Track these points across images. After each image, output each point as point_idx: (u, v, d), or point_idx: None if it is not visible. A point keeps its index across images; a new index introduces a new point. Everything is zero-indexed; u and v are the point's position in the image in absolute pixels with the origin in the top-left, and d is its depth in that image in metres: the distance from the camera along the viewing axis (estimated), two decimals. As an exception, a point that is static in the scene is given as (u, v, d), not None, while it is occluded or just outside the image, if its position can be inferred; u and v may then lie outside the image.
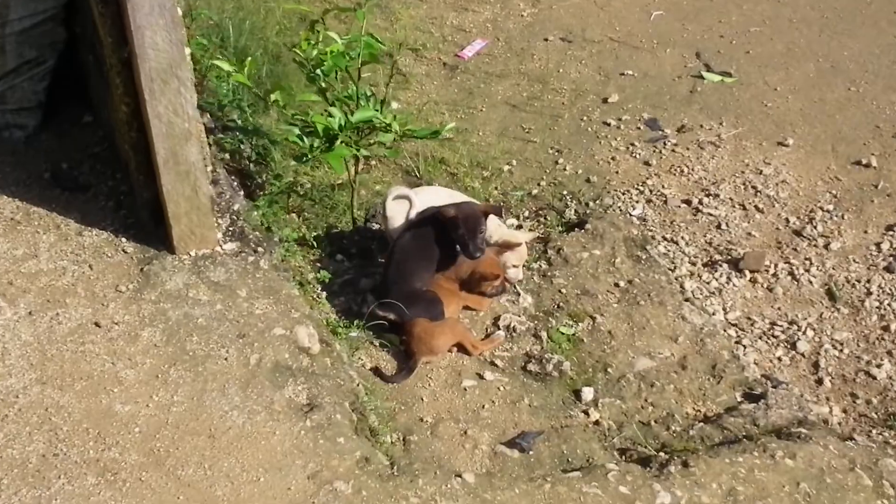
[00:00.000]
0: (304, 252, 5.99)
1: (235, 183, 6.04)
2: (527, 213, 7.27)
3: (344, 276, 5.98)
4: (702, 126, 8.09)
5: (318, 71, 5.99)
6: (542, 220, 7.19)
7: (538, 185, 7.52)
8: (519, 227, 7.08)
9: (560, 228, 7.00)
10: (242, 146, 6.64)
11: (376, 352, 5.55)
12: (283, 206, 6.46)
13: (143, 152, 4.98)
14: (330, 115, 5.78)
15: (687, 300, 6.24)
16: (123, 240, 5.29)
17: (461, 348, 5.54)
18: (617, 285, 6.29)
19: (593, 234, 6.69)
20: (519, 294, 5.98)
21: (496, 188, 7.51)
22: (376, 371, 5.31)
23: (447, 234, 5.45)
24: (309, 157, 5.87)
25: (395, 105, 8.24)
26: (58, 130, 6.15)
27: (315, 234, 6.37)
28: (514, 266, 5.95)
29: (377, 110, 6.10)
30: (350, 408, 4.65)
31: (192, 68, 4.91)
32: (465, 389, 5.33)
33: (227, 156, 6.42)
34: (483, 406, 5.24)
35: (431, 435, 5.05)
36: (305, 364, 4.77)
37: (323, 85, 6.12)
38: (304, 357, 4.80)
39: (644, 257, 6.52)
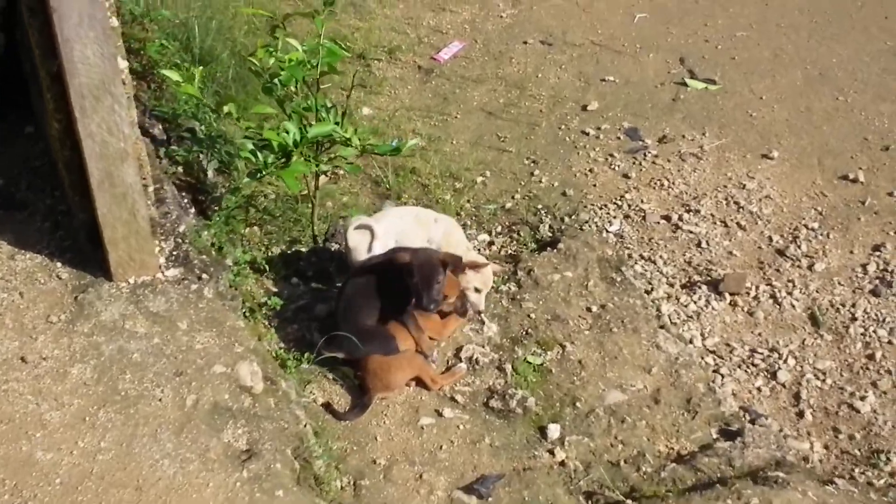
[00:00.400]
0: (257, 275, 5.56)
1: (186, 200, 5.68)
2: (499, 229, 6.91)
3: (299, 301, 5.61)
4: (684, 136, 7.74)
5: (275, 81, 5.56)
6: (514, 236, 6.84)
7: (512, 197, 7.17)
8: (490, 244, 6.68)
9: (532, 246, 6.60)
10: (202, 157, 6.20)
11: (330, 385, 5.21)
12: (241, 221, 6.08)
13: (77, 171, 4.62)
14: (285, 130, 5.33)
15: (662, 327, 5.89)
16: (59, 264, 4.91)
17: (420, 382, 5.18)
18: (589, 310, 5.92)
19: (566, 254, 6.33)
20: (483, 322, 5.60)
21: (468, 201, 7.16)
22: (328, 407, 4.96)
23: (401, 279, 5.05)
24: (263, 173, 5.45)
25: (366, 111, 7.88)
26: (-2, 146, 5.71)
27: (271, 254, 5.96)
28: (478, 290, 5.53)
29: (337, 123, 5.68)
30: (293, 454, 4.29)
31: (130, 81, 4.51)
32: (423, 428, 4.98)
33: (179, 169, 5.99)
34: (441, 446, 4.89)
35: (384, 479, 4.72)
36: (247, 405, 4.41)
37: (280, 96, 5.67)
38: (246, 397, 4.43)
39: (619, 279, 6.15)
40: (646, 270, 6.57)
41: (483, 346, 5.48)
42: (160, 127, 6.04)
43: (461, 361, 5.42)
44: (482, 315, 5.70)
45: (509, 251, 6.67)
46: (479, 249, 6.73)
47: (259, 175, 5.51)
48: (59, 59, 4.25)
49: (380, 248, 5.49)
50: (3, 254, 5.02)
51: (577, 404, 5.38)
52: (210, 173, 6.16)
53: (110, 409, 4.33)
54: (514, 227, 6.91)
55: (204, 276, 4.95)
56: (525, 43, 8.93)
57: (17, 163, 5.64)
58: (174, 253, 5.03)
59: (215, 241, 5.57)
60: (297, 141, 5.38)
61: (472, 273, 5.45)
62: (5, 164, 5.62)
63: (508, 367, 5.39)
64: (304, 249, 6.06)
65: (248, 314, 5.21)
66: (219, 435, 4.28)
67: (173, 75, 5.44)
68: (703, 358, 5.94)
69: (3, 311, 4.72)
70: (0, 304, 4.75)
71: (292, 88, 5.72)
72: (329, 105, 5.80)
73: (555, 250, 6.41)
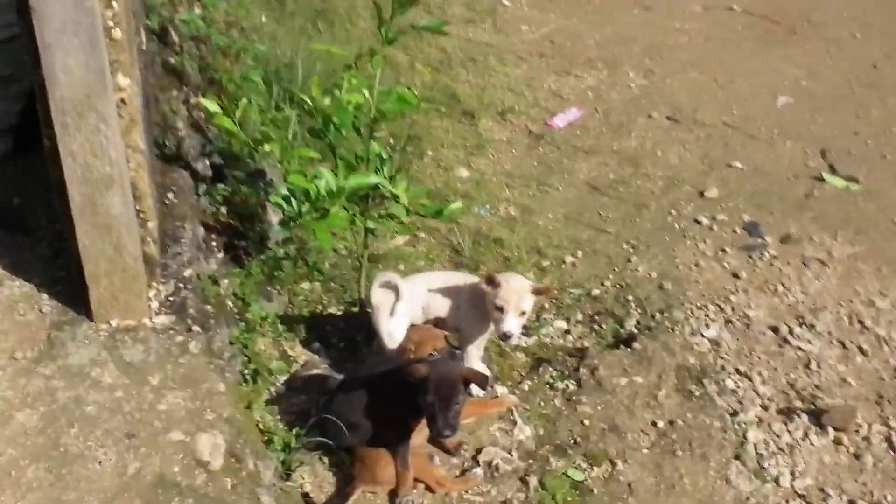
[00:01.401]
0: (275, 336, 4.89)
1: (214, 244, 5.04)
2: (580, 317, 6.08)
3: (312, 370, 4.86)
4: (811, 238, 6.76)
5: (329, 123, 4.95)
6: (595, 327, 5.96)
7: (602, 284, 6.33)
8: (566, 332, 5.96)
9: (607, 342, 5.69)
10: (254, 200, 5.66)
11: (324, 471, 4.46)
12: (288, 274, 5.49)
13: (63, 195, 4.04)
14: (318, 177, 4.70)
15: (738, 457, 4.95)
16: (45, 296, 4.44)
17: (427, 486, 4.35)
18: (655, 425, 5.05)
19: (641, 355, 5.45)
20: (516, 423, 4.75)
21: (552, 282, 6.27)
22: (306, 497, 4.20)
23: (412, 395, 4.21)
24: (295, 223, 4.81)
25: (463, 172, 7.19)
26: (25, 160, 5.27)
27: (299, 313, 5.28)
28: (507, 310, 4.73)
29: (391, 177, 4.99)
30: None
31: (138, 103, 4.00)
32: (413, 527, 4.15)
33: (223, 209, 5.41)
34: (432, 564, 4.06)
35: None
36: (199, 482, 3.78)
37: (331, 141, 5.05)
38: (201, 473, 3.82)
39: (698, 394, 5.24)
40: (738, 387, 5.63)
41: (509, 452, 4.66)
42: (207, 162, 5.46)
43: (479, 465, 4.55)
44: (516, 412, 4.82)
45: (584, 343, 5.76)
46: (550, 337, 5.89)
47: (291, 225, 4.84)
48: (40, 66, 3.68)
49: (402, 311, 4.79)
50: (-5, 279, 4.47)
51: (612, 534, 4.45)
52: (273, 219, 5.54)
53: (42, 466, 3.78)
54: (597, 318, 6.07)
55: (195, 328, 4.35)
56: (649, 117, 8.11)
57: (39, 184, 5.15)
58: (170, 298, 4.47)
59: (238, 291, 4.91)
60: (332, 191, 4.67)
61: (491, 290, 4.79)
62: (27, 184, 5.19)
63: (534, 480, 4.56)
64: (338, 314, 5.34)
65: (249, 377, 4.51)
66: (154, 515, 3.55)
67: (210, 105, 4.87)
68: (789, 502, 4.91)
69: (-32, 343, 4.15)
70: (-33, 340, 4.17)
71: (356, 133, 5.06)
72: (385, 156, 5.07)
73: (629, 349, 5.48)
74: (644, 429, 5.12)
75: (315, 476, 4.52)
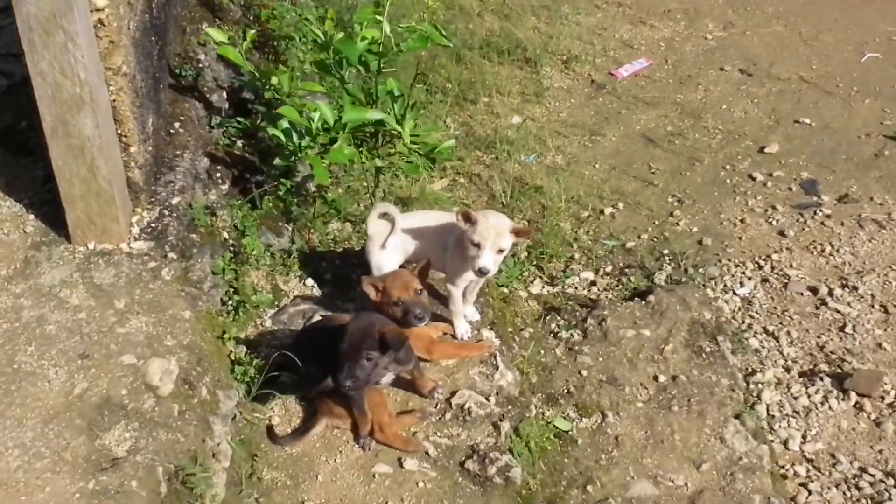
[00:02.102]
0: (269, 269, 4.90)
1: (219, 175, 5.08)
2: (609, 268, 5.92)
3: (300, 305, 4.85)
4: (872, 199, 6.39)
5: (335, 58, 4.91)
6: (623, 279, 5.76)
7: (638, 237, 6.14)
8: (592, 283, 5.93)
9: (626, 293, 5.52)
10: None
11: (295, 406, 4.45)
12: (300, 211, 5.51)
13: (38, 116, 4.12)
14: (315, 110, 4.67)
15: (738, 417, 4.68)
16: (32, 217, 4.52)
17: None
18: (656, 379, 4.87)
19: (654, 308, 5.25)
20: (497, 367, 4.63)
21: (588, 232, 6.20)
22: (269, 430, 4.20)
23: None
24: (296, 157, 4.80)
25: (515, 119, 7.05)
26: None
27: (300, 247, 5.27)
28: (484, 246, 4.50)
29: (402, 115, 4.93)
30: (170, 474, 3.56)
31: (118, 25, 4.01)
32: (374, 476, 4.16)
33: (239, 143, 5.45)
34: (386, 503, 4.00)
35: (302, 529, 3.88)
36: (147, 406, 3.79)
37: (342, 75, 5.02)
38: (149, 398, 3.82)
39: (709, 350, 5.02)
40: (762, 347, 5.39)
41: (487, 397, 4.53)
42: (224, 95, 5.49)
43: (434, 409, 4.47)
44: (499, 357, 4.72)
45: (609, 296, 5.60)
46: (575, 287, 5.75)
47: (291, 159, 4.84)
48: (6, -19, 3.75)
49: (394, 246, 4.74)
50: (-13, 198, 4.60)
51: (589, 487, 4.37)
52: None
53: (-7, 381, 3.77)
54: (626, 271, 5.89)
55: (172, 255, 4.36)
56: (721, 69, 7.79)
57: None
58: (152, 225, 4.50)
59: (240, 224, 4.94)
60: (328, 124, 4.64)
61: (469, 226, 4.51)
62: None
63: (507, 425, 4.42)
64: (339, 250, 5.31)
65: (232, 308, 4.52)
66: (93, 433, 3.63)
67: (216, 34, 4.88)
68: (794, 465, 4.70)
69: (-48, 256, 4.29)
70: (-46, 254, 4.31)
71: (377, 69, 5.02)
72: (398, 93, 5.01)
73: (643, 302, 5.28)
74: (644, 382, 4.94)
75: (286, 410, 4.49)
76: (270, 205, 5.37)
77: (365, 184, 5.72)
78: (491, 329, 4.94)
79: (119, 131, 4.31)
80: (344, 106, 4.82)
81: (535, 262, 5.99)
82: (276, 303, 4.88)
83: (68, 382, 3.84)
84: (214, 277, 4.58)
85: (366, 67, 5.01)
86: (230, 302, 4.61)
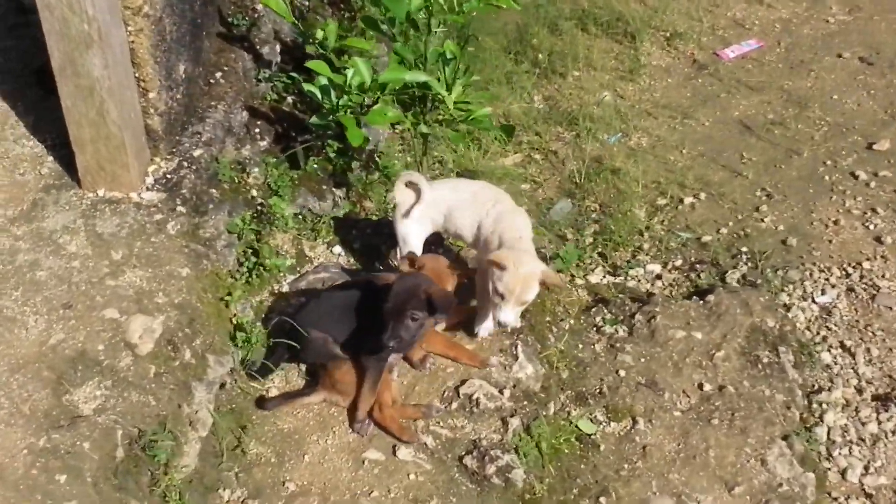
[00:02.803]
0: (296, 232, 4.67)
1: (258, 130, 4.87)
2: (679, 262, 5.48)
3: (320, 273, 4.60)
4: None
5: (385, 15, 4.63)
6: (692, 276, 5.32)
7: (717, 231, 5.67)
8: (657, 277, 5.52)
9: (685, 291, 5.09)
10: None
11: (297, 379, 4.25)
12: (343, 173, 5.26)
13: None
14: (350, 67, 4.41)
15: (786, 438, 4.22)
16: (50, 159, 4.41)
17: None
18: (701, 387, 4.45)
19: (711, 309, 4.82)
20: (517, 358, 4.28)
21: (662, 221, 5.75)
22: (260, 400, 3.97)
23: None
24: (331, 117, 4.55)
25: (606, 95, 6.64)
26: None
27: (349, 212, 5.02)
28: (501, 296, 4.10)
29: (452, 80, 4.62)
30: (123, 439, 3.37)
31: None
32: (364, 462, 3.90)
33: (290, 99, 5.23)
34: (371, 492, 3.81)
35: (276, 509, 3.65)
36: (122, 365, 3.62)
37: (390, 31, 4.75)
38: (127, 356, 3.63)
39: (767, 361, 4.57)
40: (835, 363, 4.88)
41: (501, 389, 4.19)
42: (275, 47, 5.25)
43: (459, 397, 4.14)
44: (520, 348, 4.38)
45: (669, 292, 5.18)
46: (638, 280, 5.35)
47: (327, 119, 4.58)
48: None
49: (418, 217, 4.43)
50: (11, 135, 4.58)
51: (603, 499, 4.03)
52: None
53: (-29, 325, 3.65)
54: (697, 266, 5.45)
55: (183, 208, 4.17)
56: (839, 56, 7.16)
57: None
58: (168, 176, 4.32)
59: (274, 183, 4.72)
60: (362, 84, 4.36)
61: (497, 271, 4.04)
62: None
63: (516, 422, 4.07)
64: (374, 218, 5.04)
65: (247, 270, 4.30)
66: (62, 388, 3.48)
67: (257, -17, 4.65)
68: (850, 499, 4.23)
69: (-34, 192, 4.19)
70: (-32, 186, 4.22)
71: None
72: (450, 56, 4.69)
73: (701, 301, 4.85)
74: (687, 390, 4.52)
75: (287, 382, 4.27)
76: (316, 166, 5.09)
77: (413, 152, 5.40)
78: (523, 317, 4.54)
79: (137, 75, 4.13)
80: (361, 61, 4.48)
81: (599, 249, 5.56)
82: (298, 269, 4.60)
83: (45, 332, 3.69)
84: (231, 236, 4.36)
85: (414, 26, 4.68)
86: (246, 263, 4.36)
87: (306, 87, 4.58)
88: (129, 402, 3.55)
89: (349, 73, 4.42)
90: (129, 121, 4.09)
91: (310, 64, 4.47)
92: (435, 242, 4.64)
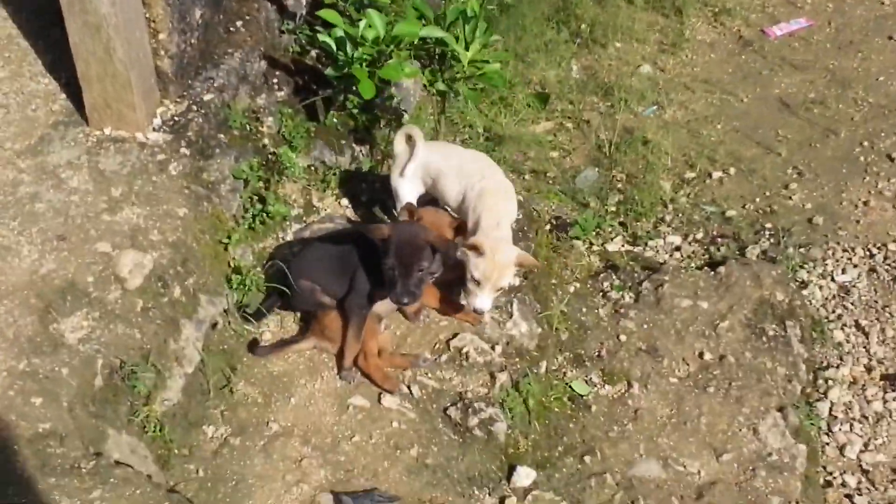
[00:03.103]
0: (305, 182, 4.72)
1: (276, 80, 4.93)
2: (700, 236, 5.44)
3: (327, 224, 4.64)
4: None
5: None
6: (712, 249, 5.28)
7: (743, 206, 5.63)
8: (676, 248, 5.54)
9: (700, 263, 5.05)
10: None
11: (292, 325, 4.28)
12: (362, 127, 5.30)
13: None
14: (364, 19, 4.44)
15: (781, 410, 4.17)
16: (63, 96, 4.48)
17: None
18: (701, 356, 4.43)
19: (721, 280, 4.78)
20: (511, 315, 4.28)
21: (688, 195, 5.70)
22: (252, 343, 4.03)
23: (375, 257, 3.87)
24: (345, 71, 4.59)
25: (645, 69, 6.65)
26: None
27: (370, 167, 5.06)
28: (477, 282, 4.07)
29: (471, 38, 4.63)
30: (103, 368, 3.47)
31: None
32: (348, 408, 3.93)
33: (313, 52, 5.28)
34: (352, 437, 3.84)
35: (259, 447, 3.77)
36: (111, 298, 3.69)
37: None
38: (116, 289, 3.70)
39: (772, 334, 4.53)
40: (847, 341, 4.83)
41: (493, 345, 4.18)
42: (302, 0, 5.29)
43: (449, 350, 4.15)
44: (515, 306, 4.37)
45: (692, 264, 5.13)
46: (656, 250, 5.32)
47: (342, 72, 4.61)
48: None
49: (410, 174, 4.40)
50: (28, 71, 4.65)
51: (587, 458, 4.01)
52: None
53: (-32, 252, 3.74)
54: (719, 240, 5.41)
55: (186, 151, 4.22)
56: (890, 38, 7.00)
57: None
58: (176, 118, 4.37)
59: (288, 133, 4.77)
60: (374, 37, 4.40)
61: (474, 257, 4.04)
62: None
63: (504, 377, 4.07)
64: (385, 173, 5.07)
65: (251, 216, 4.37)
66: (49, 317, 3.56)
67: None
68: (845, 474, 4.19)
69: (-22, 124, 4.31)
70: (-19, 117, 4.33)
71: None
72: (471, 14, 4.69)
73: (712, 273, 4.80)
74: (687, 358, 4.49)
75: (282, 327, 4.30)
76: (336, 120, 5.12)
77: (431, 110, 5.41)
78: (525, 278, 4.53)
79: (147, 15, 4.18)
80: (375, 13, 4.49)
81: (621, 219, 5.53)
82: (305, 219, 4.64)
83: (37, 262, 3.76)
84: (236, 182, 4.40)
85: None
86: (251, 210, 4.41)
87: (321, 37, 4.60)
88: (113, 334, 3.60)
89: (362, 24, 4.42)
90: (137, 60, 4.14)
91: (322, 12, 4.49)
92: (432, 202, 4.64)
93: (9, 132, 4.29)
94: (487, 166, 4.33)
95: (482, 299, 3.97)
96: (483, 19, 4.67)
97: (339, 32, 4.60)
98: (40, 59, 4.63)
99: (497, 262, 3.90)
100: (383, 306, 4.02)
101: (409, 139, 4.38)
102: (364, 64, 4.65)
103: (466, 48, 4.64)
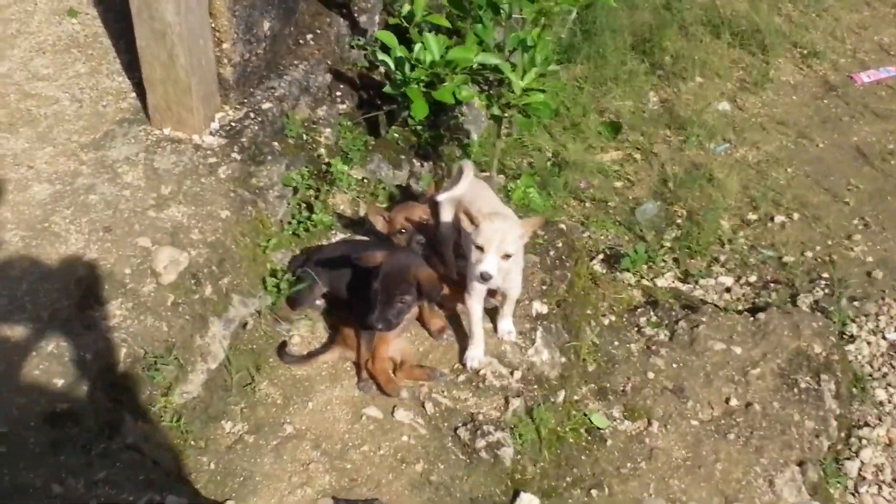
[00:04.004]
0: (356, 195, 4.89)
1: (340, 94, 5.12)
2: (754, 279, 5.44)
3: (362, 229, 4.80)
4: None
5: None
6: (763, 294, 5.26)
7: (801, 253, 5.60)
8: (726, 289, 5.54)
9: (742, 306, 5.06)
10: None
11: (322, 331, 4.44)
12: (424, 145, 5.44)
13: (129, -3, 4.32)
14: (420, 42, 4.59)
15: (801, 464, 4.17)
16: (133, 95, 4.76)
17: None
18: (727, 401, 4.42)
19: (759, 326, 4.78)
20: (534, 342, 4.36)
21: (747, 237, 5.67)
22: (281, 346, 4.21)
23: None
24: (400, 89, 4.75)
25: (723, 105, 6.65)
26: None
27: (398, 184, 5.21)
28: (480, 248, 3.89)
29: (528, 66, 4.74)
30: (126, 356, 3.71)
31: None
32: (361, 417, 4.05)
33: (382, 68, 5.44)
34: (362, 446, 3.96)
35: (271, 447, 3.92)
36: (145, 290, 3.92)
37: (478, 14, 4.88)
38: (150, 282, 3.93)
39: (805, 386, 4.53)
40: (889, 401, 4.75)
41: (512, 370, 4.28)
42: (374, 17, 5.47)
43: (467, 371, 4.26)
44: (540, 331, 4.41)
45: (735, 307, 5.14)
46: (706, 289, 5.36)
47: (396, 91, 4.77)
48: None
49: (444, 199, 4.42)
50: (107, 69, 4.97)
51: (594, 492, 4.11)
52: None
53: (20, 234, 4.13)
54: (771, 285, 5.38)
55: (238, 156, 4.43)
56: (982, 96, 6.80)
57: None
58: (233, 124, 4.59)
59: (345, 146, 4.96)
60: (433, 61, 4.55)
61: (472, 228, 3.89)
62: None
63: (518, 403, 4.15)
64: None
65: (296, 222, 4.56)
66: (84, 302, 3.81)
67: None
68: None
69: (51, 116, 4.64)
70: (56, 107, 4.76)
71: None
72: (531, 43, 4.80)
73: (751, 318, 4.81)
74: (712, 401, 4.50)
75: (313, 332, 4.45)
76: (396, 135, 5.27)
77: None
78: (558, 306, 4.60)
79: (213, 25, 4.38)
80: (432, 37, 4.62)
81: (675, 255, 5.54)
82: (350, 229, 4.79)
83: (82, 249, 3.98)
84: (285, 189, 4.57)
85: (495, 10, 4.79)
86: (297, 216, 4.58)
87: (380, 55, 4.74)
88: (142, 325, 3.80)
89: (416, 47, 4.55)
90: (199, 67, 4.34)
91: (380, 34, 4.64)
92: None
93: (77, 125, 4.55)
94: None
95: (487, 262, 3.81)
96: (546, 48, 4.69)
97: (398, 52, 4.70)
98: (119, 58, 4.91)
99: (495, 227, 3.83)
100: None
101: (466, 167, 4.43)
102: (421, 85, 4.70)
103: (522, 76, 4.69)
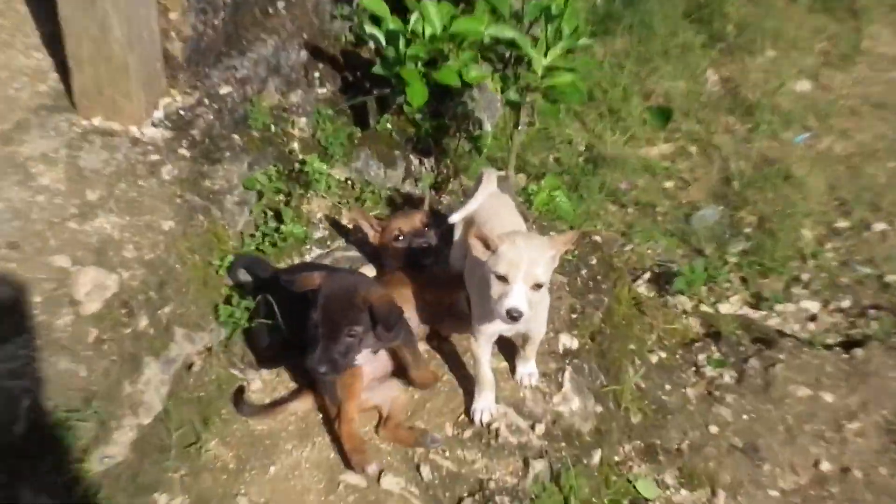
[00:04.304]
0: (336, 200, 4.23)
1: (318, 75, 4.54)
2: (847, 304, 4.81)
3: (352, 252, 4.14)
4: None
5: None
6: (856, 322, 4.56)
7: (896, 274, 4.91)
8: (811, 318, 4.80)
9: (832, 339, 4.33)
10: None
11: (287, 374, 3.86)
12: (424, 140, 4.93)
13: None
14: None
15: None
16: (55, 76, 4.13)
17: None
18: (816, 465, 3.78)
19: (856, 367, 4.17)
20: (562, 387, 3.62)
21: (835, 249, 5.11)
22: (237, 395, 3.69)
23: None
24: (394, 70, 4.16)
25: (802, 86, 6.15)
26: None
27: (391, 186, 4.60)
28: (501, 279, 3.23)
29: (552, 41, 4.09)
30: (30, 410, 3.10)
31: None
32: (339, 486, 3.50)
33: (371, 44, 4.87)
34: (339, 524, 3.30)
35: (219, 524, 3.27)
36: (59, 323, 3.38)
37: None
38: (67, 314, 3.36)
39: (913, 442, 3.78)
40: None
41: (533, 423, 3.59)
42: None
43: (475, 424, 3.64)
44: (568, 374, 3.71)
45: (824, 340, 4.40)
46: (784, 317, 4.68)
47: (390, 70, 4.27)
48: None
49: (457, 218, 3.81)
50: (26, 44, 4.29)
51: (637, 587, 3.33)
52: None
53: None
54: (870, 312, 4.75)
55: (185, 152, 3.93)
56: None
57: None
58: (181, 112, 4.07)
59: (325, 139, 4.36)
60: (433, 34, 3.89)
61: (489, 254, 3.24)
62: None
63: (540, 465, 3.52)
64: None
65: (261, 234, 4.01)
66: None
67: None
68: None
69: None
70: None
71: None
72: (554, 11, 4.12)
73: (846, 354, 4.07)
74: (797, 465, 3.90)
75: (278, 375, 3.87)
76: (389, 125, 4.68)
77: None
78: (592, 340, 3.88)
79: (156, -11, 3.81)
80: (433, 5, 4.04)
81: (743, 273, 4.83)
82: (329, 242, 4.16)
83: (-19, 271, 3.39)
84: (247, 193, 4.01)
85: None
86: (262, 227, 4.01)
87: (368, 28, 4.28)
88: (53, 370, 3.26)
89: (413, 17, 3.98)
90: (139, 41, 3.88)
91: (366, 1, 4.01)
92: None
93: (-14, 114, 3.95)
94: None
95: (514, 295, 3.15)
96: (575, 18, 4.09)
97: (391, 24, 4.06)
98: (39, 30, 4.36)
99: (520, 247, 3.18)
100: (371, 364, 3.49)
101: (488, 174, 3.86)
102: (419, 64, 4.08)
103: (545, 52, 4.00)
